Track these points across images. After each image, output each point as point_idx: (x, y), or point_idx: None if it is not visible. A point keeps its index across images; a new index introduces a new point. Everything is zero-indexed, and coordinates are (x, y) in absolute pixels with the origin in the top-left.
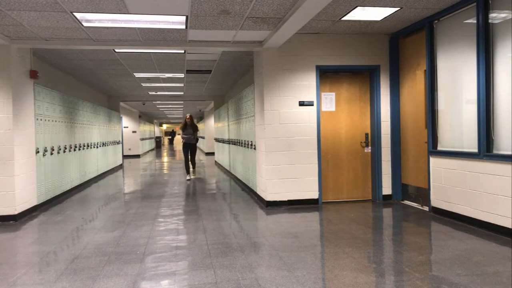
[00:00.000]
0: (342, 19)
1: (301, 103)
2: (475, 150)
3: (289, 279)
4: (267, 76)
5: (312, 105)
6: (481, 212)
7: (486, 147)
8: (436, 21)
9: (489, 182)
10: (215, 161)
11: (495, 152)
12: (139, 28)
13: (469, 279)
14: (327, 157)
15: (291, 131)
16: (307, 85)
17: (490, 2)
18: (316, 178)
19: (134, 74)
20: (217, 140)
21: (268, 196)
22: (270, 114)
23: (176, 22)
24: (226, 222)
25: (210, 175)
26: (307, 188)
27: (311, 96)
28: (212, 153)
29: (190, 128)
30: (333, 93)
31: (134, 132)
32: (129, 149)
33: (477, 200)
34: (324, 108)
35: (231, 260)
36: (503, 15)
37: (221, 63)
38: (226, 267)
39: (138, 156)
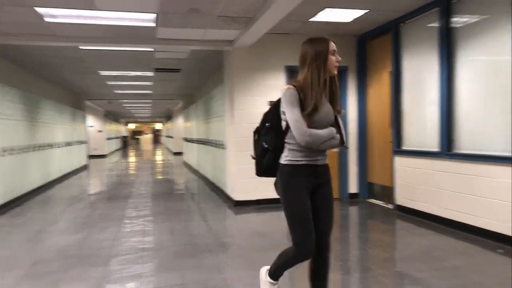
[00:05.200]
0: (311, 20)
1: (271, 103)
2: (437, 149)
3: (257, 279)
4: (237, 76)
5: None
6: (442, 209)
7: (447, 147)
8: (402, 24)
9: (450, 180)
10: (184, 161)
11: (455, 151)
12: (106, 25)
13: (429, 274)
14: None
15: None
16: (276, 85)
17: (452, 7)
18: None
19: (100, 72)
20: (186, 139)
21: (237, 196)
22: (240, 114)
23: (146, 19)
24: (194, 222)
25: (178, 175)
26: None
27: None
28: (181, 153)
29: None
30: None
31: (100, 131)
32: (95, 149)
33: (439, 197)
34: None
35: (199, 261)
36: (464, 19)
37: (190, 61)
38: (193, 268)
39: (104, 156)
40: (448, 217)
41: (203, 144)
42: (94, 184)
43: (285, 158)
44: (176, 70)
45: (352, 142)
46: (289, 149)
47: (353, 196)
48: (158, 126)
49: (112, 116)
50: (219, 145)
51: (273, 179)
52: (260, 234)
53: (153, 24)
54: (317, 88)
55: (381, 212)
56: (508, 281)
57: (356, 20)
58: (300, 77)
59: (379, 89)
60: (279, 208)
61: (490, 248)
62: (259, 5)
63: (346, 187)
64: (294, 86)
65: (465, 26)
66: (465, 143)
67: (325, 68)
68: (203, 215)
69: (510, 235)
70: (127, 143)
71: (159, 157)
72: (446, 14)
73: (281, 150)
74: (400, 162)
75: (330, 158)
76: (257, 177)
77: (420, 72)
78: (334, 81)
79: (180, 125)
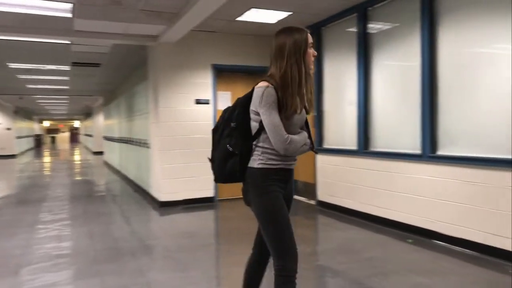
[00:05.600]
0: (238, 19)
1: (198, 101)
2: (355, 147)
3: (183, 280)
4: (162, 72)
5: (209, 103)
6: (361, 204)
7: (364, 145)
8: (323, 28)
9: (367, 177)
10: (105, 161)
11: (371, 149)
12: (17, 13)
13: (349, 266)
14: None
15: (187, 129)
16: (203, 83)
17: (368, 13)
18: (212, 176)
19: (9, 64)
20: (107, 138)
21: (163, 196)
22: (166, 112)
23: (61, 9)
24: (116, 225)
25: (98, 176)
26: (203, 186)
27: (207, 94)
28: (101, 153)
29: None
30: (229, 92)
31: (8, 129)
32: (2, 148)
33: (358, 193)
34: (221, 106)
35: (121, 266)
36: (378, 26)
37: (112, 56)
38: (115, 273)
39: (13, 156)
40: (366, 211)
41: (126, 143)
42: (1, 187)
43: (259, 161)
44: (96, 65)
45: None
46: (262, 153)
47: None
48: (76, 124)
49: (23, 113)
50: (142, 144)
51: (201, 179)
52: (187, 234)
53: (69, 15)
54: (298, 87)
55: (304, 208)
56: (416, 267)
57: (280, 21)
58: (274, 72)
59: None
60: (207, 207)
61: (402, 239)
62: (184, 1)
63: None
64: (272, 84)
65: (380, 33)
66: (380, 141)
67: (305, 62)
68: (126, 217)
69: (418, 225)
70: (41, 142)
71: (77, 156)
72: (363, 20)
73: (248, 154)
74: (321, 160)
75: None
76: (184, 177)
77: (340, 74)
78: (310, 77)
79: (101, 123)
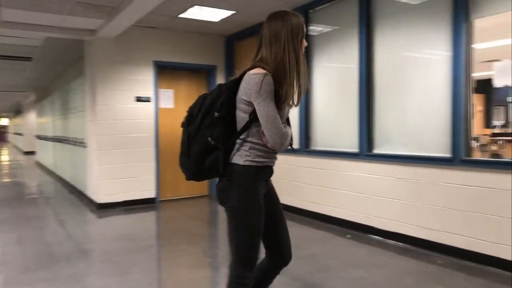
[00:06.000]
0: (180, 16)
1: (138, 99)
2: (297, 146)
3: (122, 284)
4: (100, 68)
5: (150, 101)
6: (304, 202)
7: (306, 144)
8: None
9: (309, 175)
10: (37, 161)
11: (312, 148)
12: None
13: (291, 263)
14: (165, 154)
15: (127, 128)
16: (144, 80)
17: (309, 16)
18: (153, 176)
19: None
20: (39, 137)
21: (101, 198)
22: (104, 109)
23: None
24: (49, 229)
25: (30, 178)
26: (144, 187)
27: (148, 91)
28: (33, 152)
29: None
30: (172, 90)
31: None
32: None
33: (301, 191)
34: (163, 104)
35: (55, 272)
36: (319, 29)
37: (45, 49)
38: (47, 280)
39: None
40: (308, 209)
41: (61, 142)
42: None
43: (246, 158)
44: (27, 59)
45: None
46: (251, 148)
47: None
48: (3, 121)
49: None
50: (79, 143)
51: (142, 179)
52: (127, 236)
53: None
54: (297, 78)
55: None
56: (355, 261)
57: (224, 20)
58: (268, 57)
59: None
60: (148, 208)
61: (341, 234)
62: None
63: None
64: (269, 72)
65: (321, 35)
66: (321, 140)
67: (301, 51)
68: (60, 221)
69: (356, 221)
70: None
71: (5, 157)
72: (305, 22)
73: (230, 148)
74: None
75: None
76: (124, 177)
77: None
78: (305, 67)
79: (32, 120)
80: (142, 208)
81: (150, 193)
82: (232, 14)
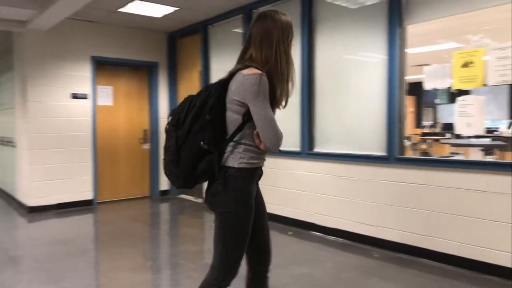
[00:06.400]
0: (120, 10)
1: (74, 96)
2: None
3: None
4: (31, 62)
5: (87, 98)
6: None
7: None
8: (210, 26)
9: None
10: None
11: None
12: None
13: None
14: (103, 154)
15: (61, 126)
16: (81, 76)
17: (252, 16)
18: (91, 177)
19: None
20: None
21: (32, 201)
22: (36, 106)
23: None
24: None
25: None
26: (80, 188)
27: (85, 88)
28: None
29: None
30: (111, 87)
31: None
32: None
33: None
34: (101, 102)
35: None
36: None
37: None
38: None
39: None
40: None
41: None
42: None
43: (240, 160)
44: None
45: (164, 139)
46: (245, 150)
47: (164, 193)
48: None
49: None
50: (7, 142)
51: (78, 180)
52: (61, 241)
53: None
54: (287, 79)
55: (191, 207)
56: (297, 258)
57: (166, 16)
58: (258, 57)
59: (190, 87)
60: (85, 210)
61: (283, 232)
62: None
63: (158, 184)
64: (264, 72)
65: None
66: None
67: (290, 53)
68: None
69: (298, 218)
70: None
71: None
72: (248, 22)
73: (222, 152)
74: None
75: (141, 155)
76: (58, 178)
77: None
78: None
79: None
80: (78, 211)
81: (87, 194)
82: (175, 11)
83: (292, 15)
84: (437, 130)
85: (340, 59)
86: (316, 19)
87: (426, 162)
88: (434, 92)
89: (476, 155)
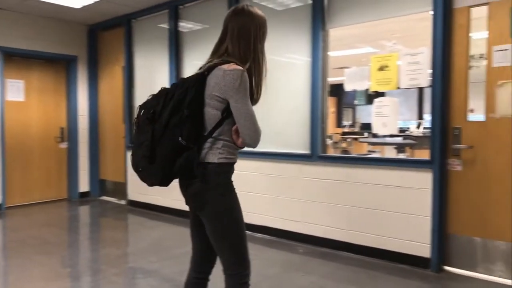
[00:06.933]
0: None
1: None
2: None
3: None
4: None
5: None
6: (172, 201)
7: None
8: (134, 20)
9: None
10: None
11: None
12: None
13: (160, 264)
14: (13, 154)
15: None
16: None
17: (179, 11)
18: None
19: None
20: None
21: None
22: None
23: None
24: None
25: None
26: None
27: None
28: None
29: None
30: (22, 81)
31: None
32: None
33: (169, 189)
34: (10, 97)
35: None
36: (190, 25)
37: None
38: None
39: None
40: (177, 207)
41: None
42: None
43: (220, 155)
44: None
45: (83, 137)
46: (223, 146)
47: (84, 195)
48: None
49: None
50: None
51: None
52: None
53: None
54: (263, 77)
55: (113, 209)
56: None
57: (86, 7)
58: (235, 53)
59: (112, 84)
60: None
61: None
62: None
63: (76, 186)
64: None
65: (191, 32)
66: None
67: (264, 50)
68: None
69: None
70: None
71: None
72: (175, 18)
73: (200, 148)
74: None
75: (58, 155)
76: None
77: (152, 70)
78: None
79: None
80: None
81: None
82: (95, 2)
83: (218, 13)
84: (356, 129)
85: (269, 59)
86: None
87: (346, 160)
88: (354, 93)
89: (390, 152)
